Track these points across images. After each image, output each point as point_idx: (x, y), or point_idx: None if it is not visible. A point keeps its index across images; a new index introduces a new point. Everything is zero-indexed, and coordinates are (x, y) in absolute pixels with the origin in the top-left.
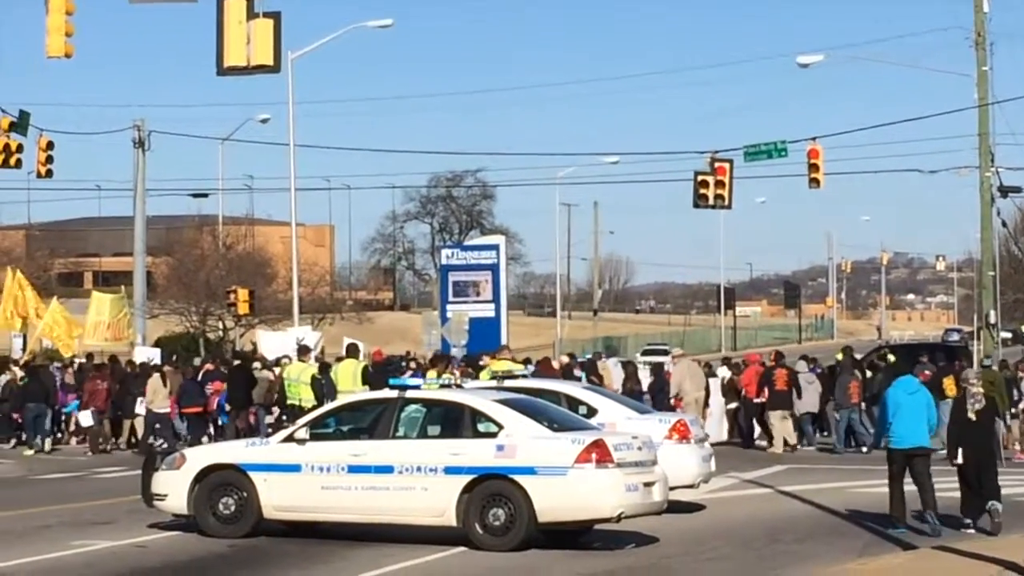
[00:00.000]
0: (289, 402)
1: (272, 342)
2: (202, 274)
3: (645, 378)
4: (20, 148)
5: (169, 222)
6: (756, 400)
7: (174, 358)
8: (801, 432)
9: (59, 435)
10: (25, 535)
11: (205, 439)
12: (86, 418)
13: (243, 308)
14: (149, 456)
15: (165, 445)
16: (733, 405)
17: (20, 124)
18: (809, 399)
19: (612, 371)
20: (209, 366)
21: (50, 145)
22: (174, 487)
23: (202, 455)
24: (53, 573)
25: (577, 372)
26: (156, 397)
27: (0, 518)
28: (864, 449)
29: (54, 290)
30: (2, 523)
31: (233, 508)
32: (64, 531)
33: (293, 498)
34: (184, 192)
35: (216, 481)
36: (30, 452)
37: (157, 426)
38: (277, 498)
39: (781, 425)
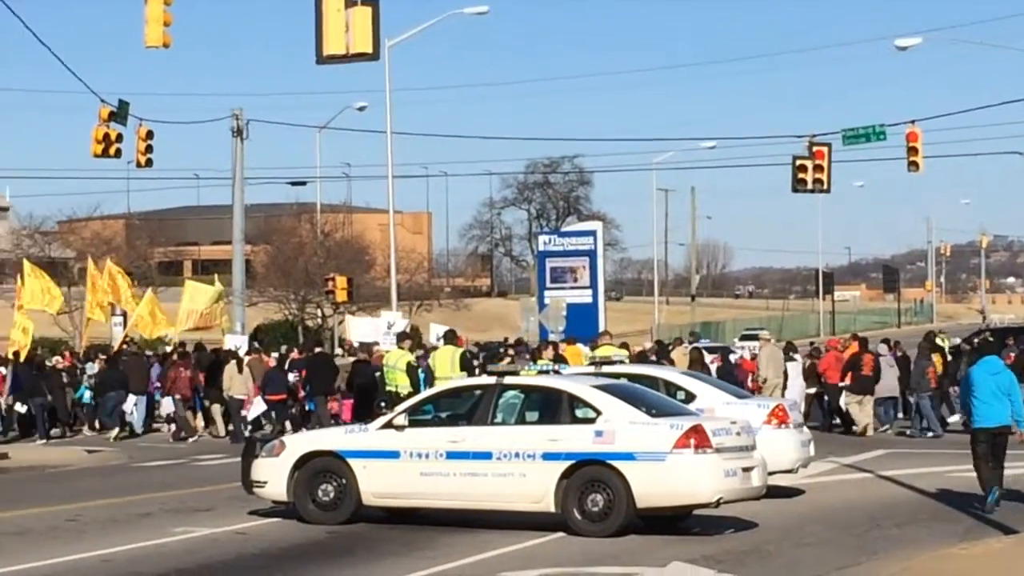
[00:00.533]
0: (387, 388)
1: (362, 328)
2: (300, 262)
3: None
4: (120, 138)
5: (267, 210)
6: (840, 385)
7: (256, 345)
8: (880, 416)
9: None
10: (127, 522)
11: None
12: (168, 405)
13: (341, 295)
14: (249, 443)
15: (271, 431)
16: (813, 390)
17: (119, 114)
18: (888, 383)
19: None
20: (295, 354)
21: (149, 134)
22: (274, 474)
23: (301, 442)
24: (154, 560)
25: (652, 358)
26: (233, 384)
27: (102, 505)
28: (930, 434)
29: (154, 279)
30: (105, 510)
31: (332, 495)
32: (165, 518)
33: (392, 484)
34: (282, 180)
35: (315, 468)
36: (112, 437)
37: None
38: (376, 485)
39: (861, 409)
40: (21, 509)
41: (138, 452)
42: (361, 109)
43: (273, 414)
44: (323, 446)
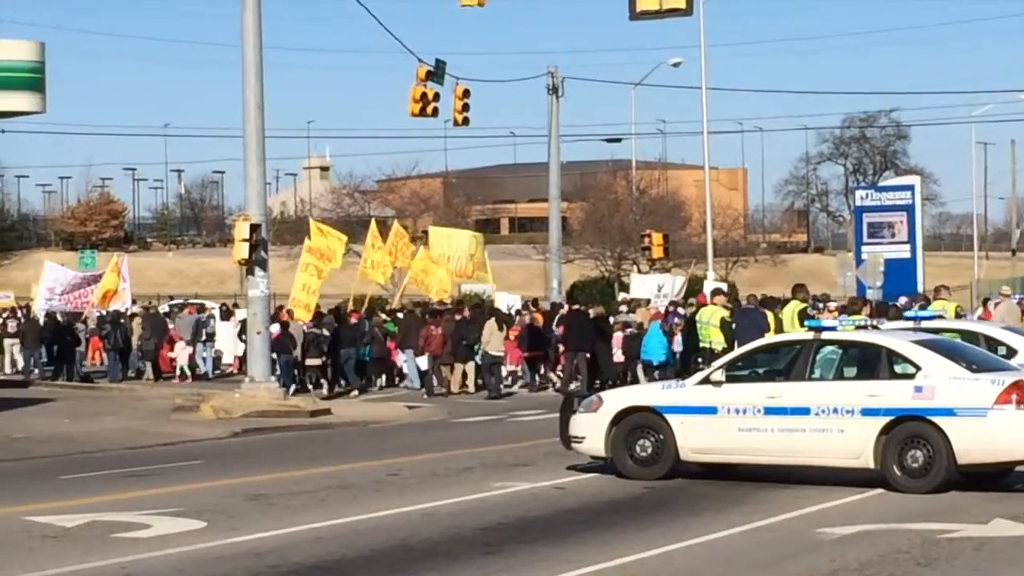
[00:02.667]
0: (701, 345)
1: (643, 285)
2: (616, 218)
3: None
4: (437, 97)
5: (583, 167)
6: None
7: (530, 304)
8: None
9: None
10: (449, 477)
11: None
12: (422, 362)
13: (657, 252)
14: (567, 399)
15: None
16: None
17: (437, 73)
18: None
19: None
20: (565, 310)
21: (466, 93)
22: (591, 429)
23: (619, 398)
24: (476, 513)
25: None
26: (491, 340)
27: (425, 460)
28: None
29: None
30: (427, 465)
31: (650, 450)
32: (485, 472)
33: (709, 440)
34: (597, 137)
35: (633, 423)
36: (352, 395)
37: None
38: (693, 440)
39: None
40: (344, 463)
41: (457, 408)
42: (676, 65)
43: (524, 369)
44: (641, 401)
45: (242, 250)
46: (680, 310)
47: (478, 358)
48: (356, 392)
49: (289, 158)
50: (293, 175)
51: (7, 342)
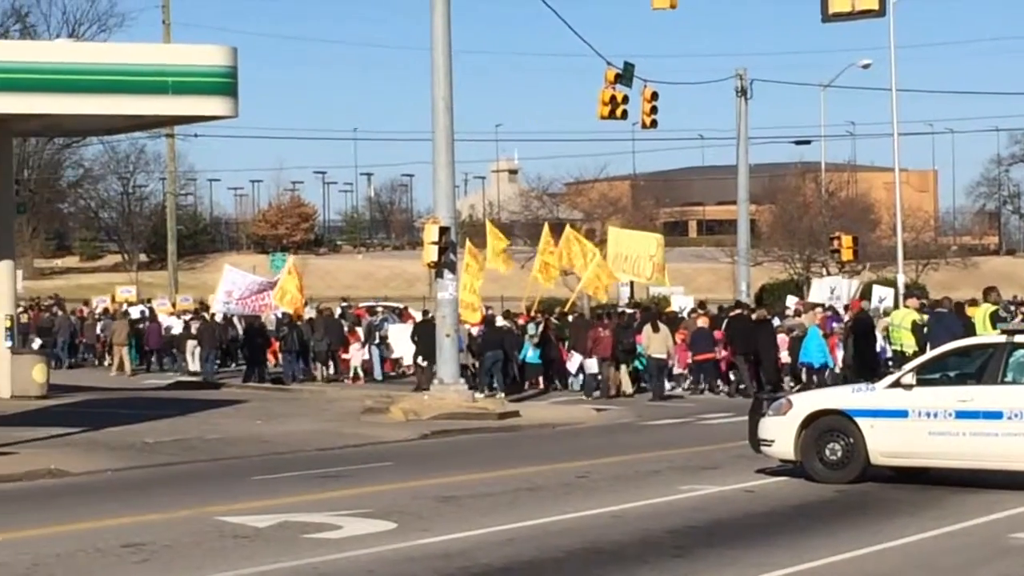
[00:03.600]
0: (892, 348)
1: (823, 289)
2: (805, 221)
3: None
4: (626, 99)
5: (771, 170)
6: None
7: (698, 307)
8: None
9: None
10: (636, 479)
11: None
12: (591, 366)
13: (847, 255)
14: (756, 402)
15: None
16: None
17: (625, 76)
18: None
19: None
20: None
21: (654, 96)
22: (781, 433)
23: (808, 401)
24: (664, 516)
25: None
26: (651, 343)
27: (613, 463)
28: None
29: None
30: (615, 468)
31: (840, 454)
32: (673, 475)
33: (900, 444)
34: (786, 140)
35: (823, 427)
36: (481, 396)
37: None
38: (884, 444)
39: None
40: (533, 466)
41: (646, 411)
42: (866, 67)
43: (702, 374)
44: (830, 405)
45: (431, 253)
46: (843, 315)
47: (638, 362)
48: (502, 395)
49: (477, 161)
50: (481, 178)
51: (189, 343)
